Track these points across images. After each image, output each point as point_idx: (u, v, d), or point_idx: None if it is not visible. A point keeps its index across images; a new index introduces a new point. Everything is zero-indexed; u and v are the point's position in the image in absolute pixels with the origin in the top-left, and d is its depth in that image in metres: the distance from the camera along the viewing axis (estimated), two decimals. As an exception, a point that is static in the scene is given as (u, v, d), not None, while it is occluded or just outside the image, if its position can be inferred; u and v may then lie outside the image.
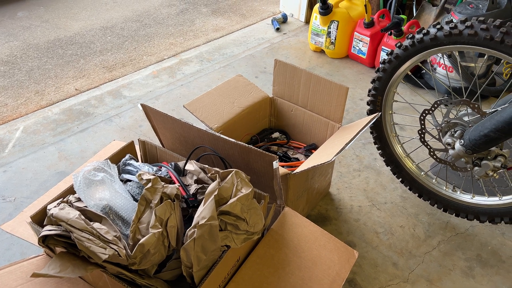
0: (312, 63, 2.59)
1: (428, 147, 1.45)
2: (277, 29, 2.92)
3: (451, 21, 1.27)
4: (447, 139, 1.34)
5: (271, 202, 1.19)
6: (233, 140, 1.11)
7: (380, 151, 1.63)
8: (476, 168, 1.32)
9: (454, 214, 1.52)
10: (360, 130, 1.30)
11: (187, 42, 2.81)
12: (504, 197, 1.38)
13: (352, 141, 1.27)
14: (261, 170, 1.15)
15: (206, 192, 0.89)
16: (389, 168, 1.65)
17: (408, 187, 1.62)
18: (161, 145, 1.41)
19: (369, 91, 1.55)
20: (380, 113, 1.40)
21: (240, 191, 0.92)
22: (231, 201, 0.90)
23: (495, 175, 1.29)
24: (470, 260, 1.47)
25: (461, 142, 1.29)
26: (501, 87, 2.15)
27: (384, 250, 1.50)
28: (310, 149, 1.66)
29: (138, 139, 1.29)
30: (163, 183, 0.96)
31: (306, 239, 1.16)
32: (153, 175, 0.98)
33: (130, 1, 3.35)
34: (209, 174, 0.99)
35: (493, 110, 1.28)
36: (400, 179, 1.63)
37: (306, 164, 1.32)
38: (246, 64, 2.57)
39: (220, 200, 0.92)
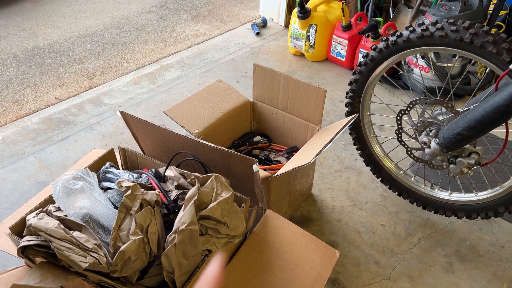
0: (292, 66, 2.62)
1: (406, 146, 1.48)
2: (257, 34, 2.94)
3: (423, 23, 1.30)
4: (423, 138, 1.38)
5: (253, 205, 1.20)
6: (213, 145, 1.12)
7: (359, 151, 1.66)
8: (451, 165, 1.35)
9: (433, 211, 1.56)
10: (338, 132, 1.32)
11: (168, 48, 2.81)
12: (479, 193, 1.42)
13: (331, 143, 1.29)
14: (242, 174, 1.16)
15: (185, 198, 0.90)
16: (369, 168, 1.68)
17: (388, 186, 1.65)
18: (142, 152, 1.41)
19: (347, 93, 1.58)
20: (357, 115, 1.43)
21: (220, 195, 0.93)
22: (211, 205, 0.90)
23: (470, 172, 1.33)
24: (450, 256, 1.51)
25: (436, 140, 1.32)
26: (475, 86, 2.21)
27: (366, 249, 1.53)
28: (291, 151, 1.67)
29: (118, 147, 1.29)
30: (143, 189, 0.96)
31: (288, 241, 1.18)
32: (133, 182, 0.98)
33: (109, 8, 3.34)
34: (188, 180, 1.00)
35: (466, 108, 1.32)
36: (380, 178, 1.66)
37: (287, 166, 1.34)
38: (227, 69, 2.58)
39: (200, 205, 0.92)
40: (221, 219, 0.91)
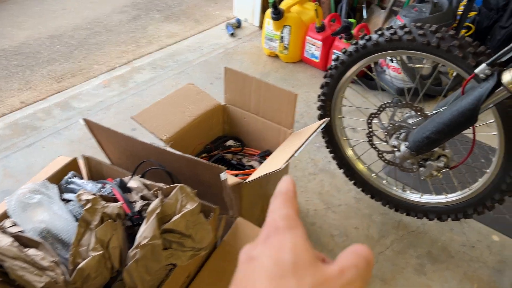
0: (267, 68, 2.60)
1: (377, 149, 1.48)
2: (232, 34, 2.91)
3: (391, 27, 1.30)
4: (393, 141, 1.38)
5: (224, 213, 1.18)
6: (179, 153, 1.09)
7: (332, 154, 1.66)
8: (421, 168, 1.36)
9: (405, 213, 1.57)
10: (309, 137, 1.31)
11: (140, 49, 2.75)
12: (449, 195, 1.43)
13: (302, 148, 1.28)
14: (210, 182, 1.13)
15: (147, 211, 0.86)
16: (342, 171, 1.67)
17: (360, 189, 1.65)
18: (108, 160, 1.36)
19: (319, 96, 1.57)
20: (328, 119, 1.42)
21: (185, 207, 0.91)
22: (175, 218, 0.87)
23: (439, 174, 1.34)
24: (422, 257, 1.52)
25: (406, 144, 1.33)
26: (445, 87, 2.24)
27: (339, 252, 1.52)
28: (264, 155, 1.65)
29: (82, 155, 1.24)
30: (104, 202, 0.93)
31: (259, 249, 1.16)
32: (94, 194, 0.94)
33: (80, 8, 3.25)
34: (151, 191, 0.97)
35: (434, 112, 1.32)
36: (353, 181, 1.66)
37: (258, 172, 1.31)
38: (201, 70, 2.54)
39: (164, 218, 0.89)
40: (186, 231, 0.88)
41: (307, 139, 1.30)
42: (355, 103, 1.87)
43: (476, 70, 1.10)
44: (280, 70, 2.58)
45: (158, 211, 0.85)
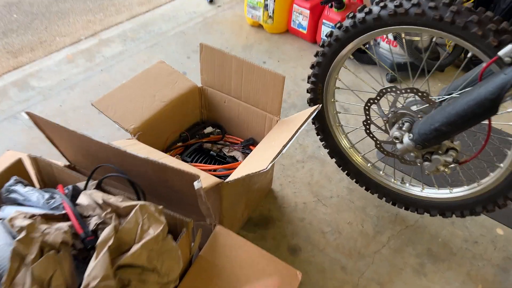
0: (249, 39, 2.37)
1: (374, 139, 1.31)
2: (211, 1, 2.65)
3: (396, -3, 1.10)
4: (395, 132, 1.20)
5: (201, 220, 1.01)
6: (143, 156, 0.89)
7: (323, 142, 1.48)
8: (426, 163, 1.19)
9: (403, 207, 1.42)
10: (299, 128, 1.12)
11: (108, 18, 2.47)
12: (454, 190, 1.28)
13: (290, 143, 1.09)
14: (183, 190, 0.95)
15: (97, 242, 0.68)
16: (333, 160, 1.51)
17: (354, 180, 1.49)
18: (64, 160, 1.16)
19: (309, 77, 1.37)
20: (320, 105, 1.24)
21: (147, 232, 0.72)
22: (133, 249, 0.69)
23: (446, 170, 1.18)
24: (421, 256, 1.38)
25: (410, 136, 1.15)
26: (445, 61, 2.06)
27: (332, 252, 1.38)
28: (248, 144, 1.47)
29: (28, 155, 1.03)
30: (45, 226, 0.74)
31: (242, 264, 0.99)
32: (33, 216, 0.75)
33: (40, -30, 2.91)
34: (104, 214, 0.78)
35: (441, 98, 1.15)
36: (346, 171, 1.50)
37: (240, 171, 1.13)
38: (176, 42, 2.30)
39: (121, 247, 0.71)
40: (149, 265, 0.70)
41: (296, 131, 1.12)
42: (349, 84, 1.68)
43: (500, 53, 0.92)
44: (264, 42, 2.35)
45: (110, 243, 0.67)
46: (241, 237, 1.03)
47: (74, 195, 0.93)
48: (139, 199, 0.91)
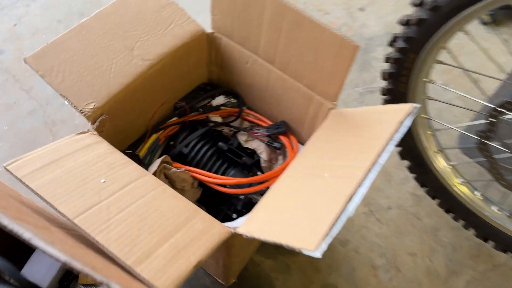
0: None
1: (492, 163, 0.79)
2: None
3: None
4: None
5: None
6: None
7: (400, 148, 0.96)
8: None
9: (501, 250, 0.95)
10: (382, 151, 0.61)
11: None
12: None
13: (367, 184, 0.60)
14: None
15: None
16: (405, 161, 1.01)
17: (431, 196, 1.01)
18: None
19: (393, 40, 0.81)
20: (419, 105, 0.69)
21: None
22: None
23: None
24: (513, 318, 0.97)
25: None
26: None
27: (384, 303, 0.96)
28: (276, 133, 0.95)
29: None
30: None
31: None
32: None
33: None
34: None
35: None
36: (421, 182, 1.01)
37: (263, 231, 0.65)
38: None
39: None
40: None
41: (377, 158, 0.61)
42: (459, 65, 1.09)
43: None
44: None
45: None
46: None
47: None
48: None
